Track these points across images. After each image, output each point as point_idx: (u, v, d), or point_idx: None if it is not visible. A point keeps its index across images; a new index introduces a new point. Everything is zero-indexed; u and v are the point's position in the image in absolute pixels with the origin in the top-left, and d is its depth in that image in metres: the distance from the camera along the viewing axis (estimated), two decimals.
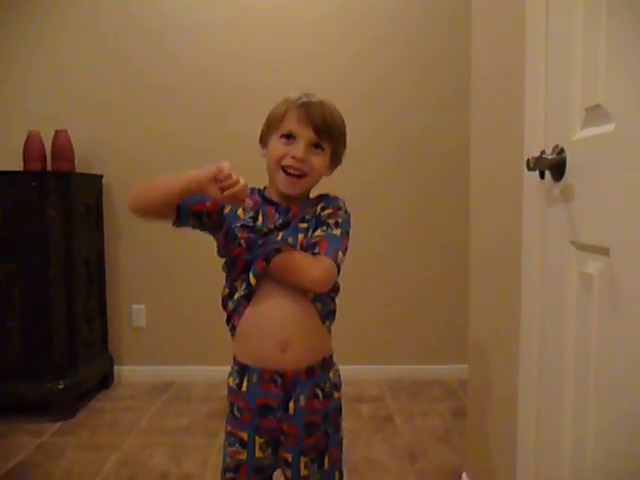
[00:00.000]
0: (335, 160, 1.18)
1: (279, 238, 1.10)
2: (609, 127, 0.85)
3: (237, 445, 1.13)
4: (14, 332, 2.44)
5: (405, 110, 2.89)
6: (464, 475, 1.79)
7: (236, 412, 1.14)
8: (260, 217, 1.11)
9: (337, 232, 1.09)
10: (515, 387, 1.26)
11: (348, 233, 1.12)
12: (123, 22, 2.87)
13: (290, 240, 1.10)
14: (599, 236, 0.88)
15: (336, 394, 1.17)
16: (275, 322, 1.08)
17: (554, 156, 1.00)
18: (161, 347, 2.95)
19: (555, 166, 1.01)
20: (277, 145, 1.11)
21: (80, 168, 2.79)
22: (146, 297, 2.94)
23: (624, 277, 0.80)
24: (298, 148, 1.09)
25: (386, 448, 2.12)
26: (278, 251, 1.07)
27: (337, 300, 1.17)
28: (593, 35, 0.91)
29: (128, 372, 2.94)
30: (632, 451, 0.79)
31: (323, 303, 1.12)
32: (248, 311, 1.10)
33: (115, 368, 2.93)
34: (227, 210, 1.11)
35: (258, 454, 1.12)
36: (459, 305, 2.63)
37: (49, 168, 2.68)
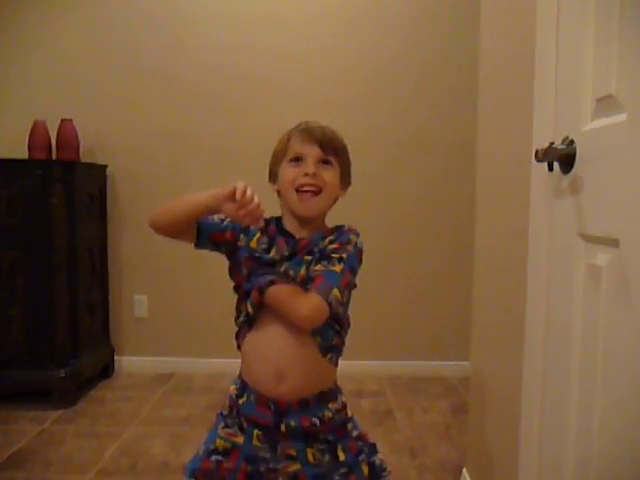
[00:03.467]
0: (345, 179, 1.19)
1: (282, 269, 1.09)
2: (621, 117, 0.84)
3: (236, 427, 1.12)
4: (16, 320, 2.44)
5: (408, 104, 2.88)
6: (464, 471, 1.79)
7: (234, 411, 1.14)
8: (274, 249, 1.12)
9: (337, 268, 1.06)
10: (518, 382, 1.25)
11: (353, 269, 1.09)
12: (131, 12, 2.86)
13: (292, 272, 1.09)
14: (609, 227, 0.87)
15: (337, 416, 1.13)
16: (272, 351, 1.09)
17: (564, 147, 0.99)
18: (162, 338, 2.95)
19: (564, 157, 1.00)
20: (287, 170, 1.13)
21: (85, 158, 2.78)
22: (148, 288, 2.94)
23: (634, 268, 0.79)
24: (308, 165, 1.11)
25: (386, 443, 2.11)
26: (272, 282, 1.06)
27: (345, 336, 1.15)
28: (605, 24, 0.89)
29: (129, 362, 2.94)
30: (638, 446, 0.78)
31: (323, 337, 1.09)
32: (249, 336, 1.12)
33: (116, 358, 2.93)
34: (241, 242, 1.13)
35: (255, 442, 1.11)
36: (461, 302, 2.63)
37: (54, 157, 2.68)
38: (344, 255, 1.08)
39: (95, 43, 2.87)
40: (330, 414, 1.12)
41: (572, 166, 0.99)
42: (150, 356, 2.94)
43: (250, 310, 1.09)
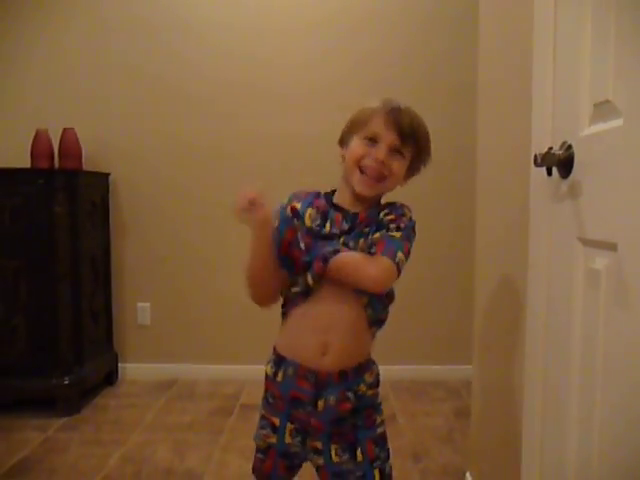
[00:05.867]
0: (413, 169, 1.19)
1: (340, 242, 1.10)
2: (617, 122, 0.85)
3: (268, 429, 1.16)
4: (20, 328, 2.45)
5: None
6: (468, 474, 1.79)
7: (270, 398, 1.16)
8: (327, 224, 1.12)
9: (397, 235, 1.08)
10: (520, 386, 1.25)
11: (410, 239, 1.10)
12: (131, 21, 2.89)
13: (351, 244, 1.09)
14: (607, 232, 0.88)
15: (369, 392, 1.15)
16: (323, 323, 1.10)
17: (562, 152, 1.00)
18: (165, 345, 2.96)
19: (563, 162, 1.01)
20: (358, 145, 1.12)
21: (87, 166, 2.80)
22: (151, 295, 2.95)
23: (632, 271, 0.80)
24: (380, 150, 1.09)
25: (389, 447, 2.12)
26: (336, 252, 1.06)
27: (390, 308, 1.18)
28: (602, 30, 0.91)
29: (132, 369, 2.95)
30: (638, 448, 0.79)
31: (375, 310, 1.12)
32: (302, 306, 1.12)
33: (120, 365, 2.94)
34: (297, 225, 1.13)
35: (287, 440, 1.14)
36: (463, 305, 2.63)
37: (56, 166, 2.69)
38: (401, 225, 1.10)
39: (96, 52, 2.90)
40: (364, 387, 1.13)
41: (570, 171, 1.00)
42: (153, 363, 2.95)
43: (310, 281, 1.08)
